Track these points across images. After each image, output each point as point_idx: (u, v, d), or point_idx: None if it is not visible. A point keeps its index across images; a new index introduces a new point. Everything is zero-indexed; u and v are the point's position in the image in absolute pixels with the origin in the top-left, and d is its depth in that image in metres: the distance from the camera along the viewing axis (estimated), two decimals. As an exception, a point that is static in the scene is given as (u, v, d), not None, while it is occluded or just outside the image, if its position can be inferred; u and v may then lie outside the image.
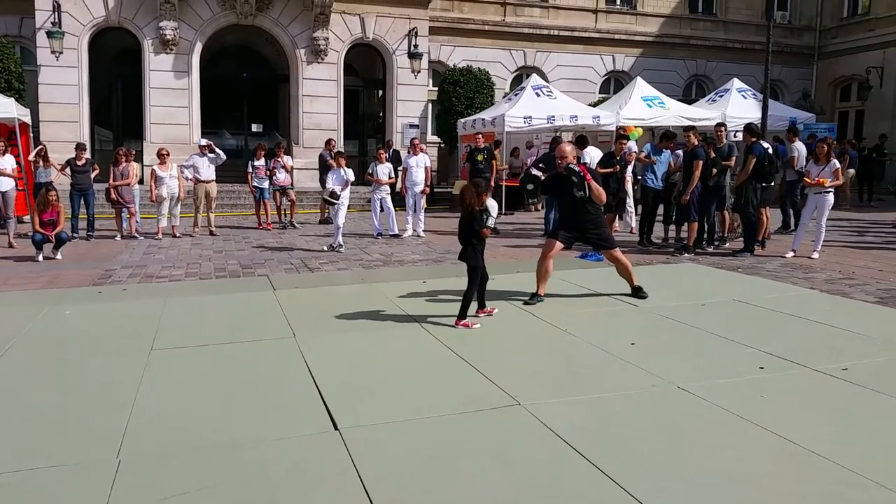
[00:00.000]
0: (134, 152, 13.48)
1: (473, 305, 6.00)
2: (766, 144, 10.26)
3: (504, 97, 18.89)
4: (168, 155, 12.24)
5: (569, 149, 6.82)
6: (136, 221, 12.24)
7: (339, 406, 4.01)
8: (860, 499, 2.96)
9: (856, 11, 24.25)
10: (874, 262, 9.28)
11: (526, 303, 6.61)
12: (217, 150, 12.75)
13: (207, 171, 12.57)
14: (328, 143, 15.35)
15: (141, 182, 13.28)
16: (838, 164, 9.72)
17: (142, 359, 5.00)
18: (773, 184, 10.64)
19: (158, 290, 7.71)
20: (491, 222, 6.09)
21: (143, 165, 15.15)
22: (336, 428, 3.72)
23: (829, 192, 9.46)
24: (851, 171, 17.02)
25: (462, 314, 5.86)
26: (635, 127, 14.92)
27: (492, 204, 6.21)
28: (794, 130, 13.01)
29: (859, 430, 3.66)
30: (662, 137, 11.28)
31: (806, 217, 9.78)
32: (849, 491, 3.02)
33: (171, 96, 17.65)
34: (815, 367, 4.66)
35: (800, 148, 12.61)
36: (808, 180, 9.67)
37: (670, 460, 3.32)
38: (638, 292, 6.87)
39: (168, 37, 17.26)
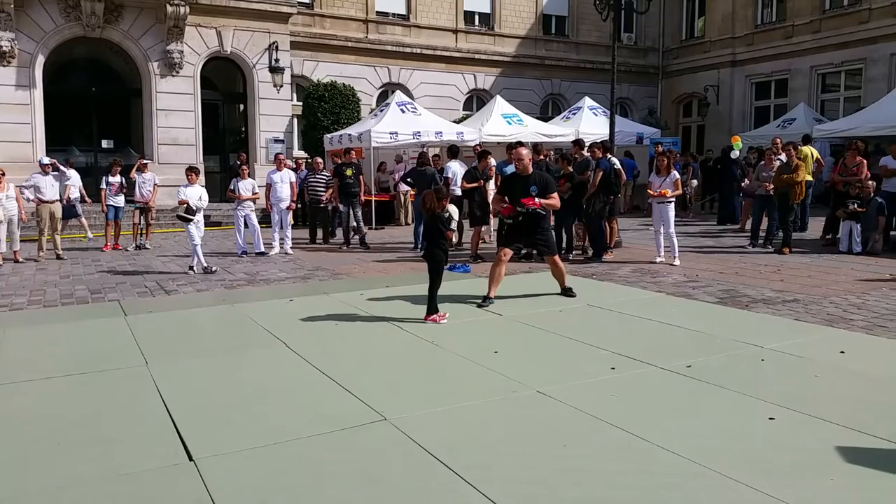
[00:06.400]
0: None
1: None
2: (612, 159, 10.97)
3: (370, 113, 18.92)
4: (4, 175, 11.22)
5: (525, 151, 7.47)
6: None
7: (194, 435, 3.82)
8: (702, 488, 3.15)
9: (692, 34, 26.26)
10: (715, 265, 10.02)
11: (479, 305, 7.01)
12: (61, 167, 11.92)
13: (51, 190, 11.74)
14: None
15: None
16: (678, 175, 10.47)
17: (-28, 397, 4.56)
18: (619, 195, 11.44)
19: (-5, 321, 7.09)
20: (453, 225, 6.80)
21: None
22: (191, 459, 3.53)
23: (670, 201, 10.15)
24: (695, 181, 18.31)
25: (430, 310, 6.42)
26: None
27: (452, 209, 6.93)
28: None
29: (703, 424, 3.90)
30: (508, 149, 11.76)
31: (657, 226, 10.32)
32: (691, 482, 3.20)
33: (11, 112, 16.26)
34: (662, 366, 4.94)
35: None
36: (651, 192, 10.37)
37: (531, 464, 3.41)
38: (568, 292, 7.49)
39: (4, 49, 15.94)
